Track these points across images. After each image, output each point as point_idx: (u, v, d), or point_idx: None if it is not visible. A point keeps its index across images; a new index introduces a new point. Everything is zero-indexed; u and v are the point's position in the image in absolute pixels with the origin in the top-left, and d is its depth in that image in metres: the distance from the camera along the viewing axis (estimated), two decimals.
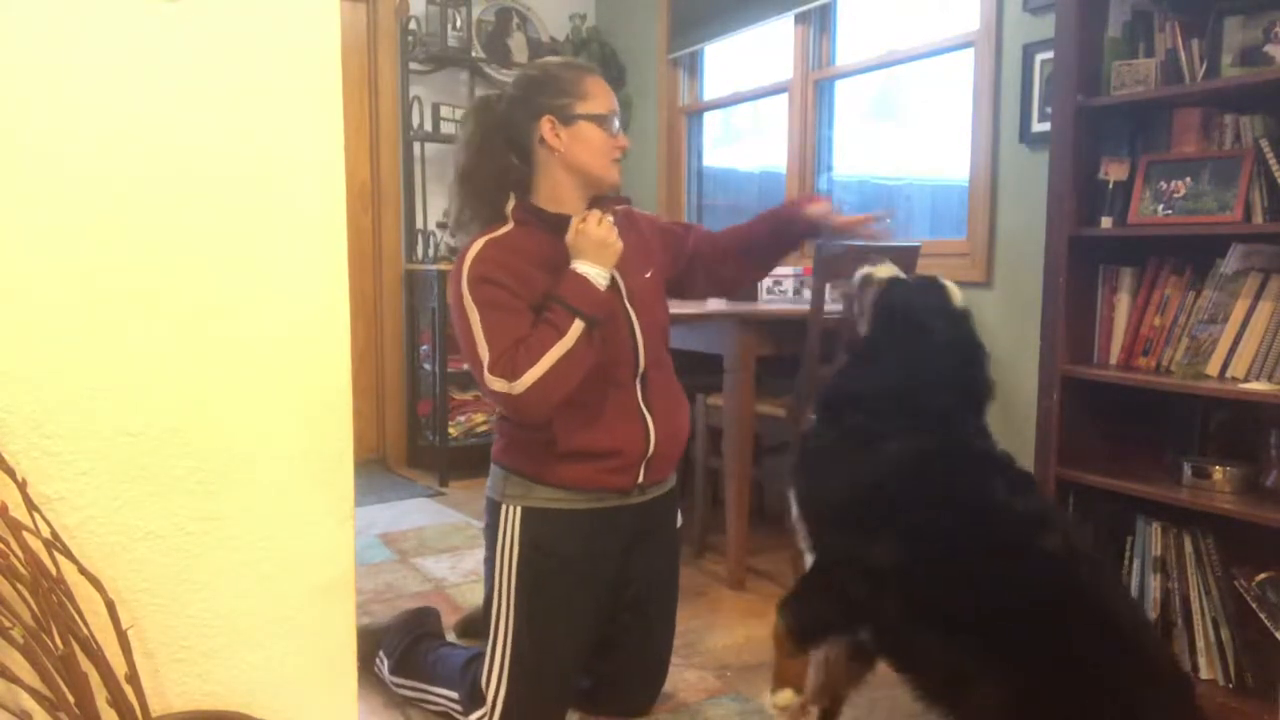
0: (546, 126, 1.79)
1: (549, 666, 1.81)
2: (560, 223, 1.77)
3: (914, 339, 1.66)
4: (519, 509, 1.82)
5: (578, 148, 1.80)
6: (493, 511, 1.88)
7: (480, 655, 1.85)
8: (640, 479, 1.86)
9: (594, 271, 1.70)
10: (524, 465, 1.83)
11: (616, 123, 1.84)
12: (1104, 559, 2.01)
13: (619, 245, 1.74)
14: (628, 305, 1.85)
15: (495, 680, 1.79)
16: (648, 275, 1.92)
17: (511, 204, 1.83)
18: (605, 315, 1.73)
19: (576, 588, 1.83)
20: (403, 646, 1.99)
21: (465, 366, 1.87)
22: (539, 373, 1.64)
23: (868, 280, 1.78)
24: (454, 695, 1.85)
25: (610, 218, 1.76)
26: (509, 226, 1.81)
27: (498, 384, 1.65)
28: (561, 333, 1.66)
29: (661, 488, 1.95)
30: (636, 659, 1.95)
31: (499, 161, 1.84)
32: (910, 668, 1.51)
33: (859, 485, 1.58)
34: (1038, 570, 1.44)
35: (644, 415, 1.85)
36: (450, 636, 2.20)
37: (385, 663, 1.99)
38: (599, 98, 1.82)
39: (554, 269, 1.73)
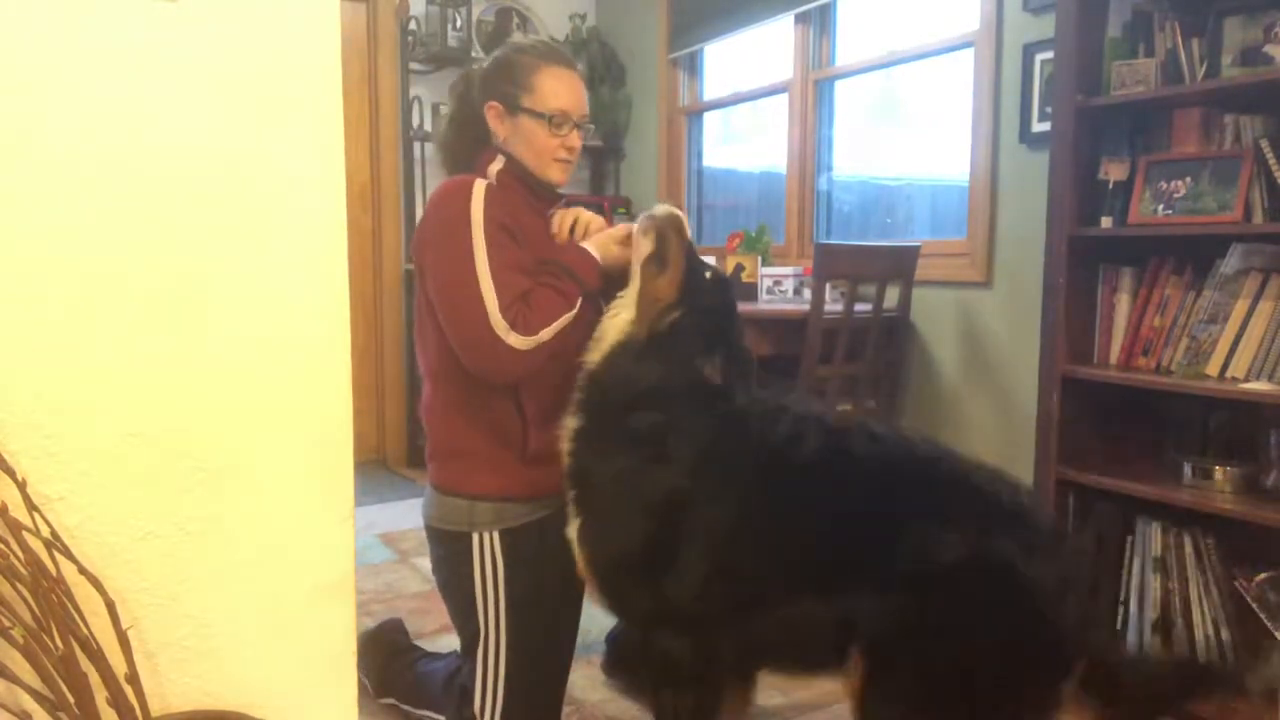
0: (491, 113, 1.76)
1: (544, 679, 1.75)
2: (544, 190, 1.77)
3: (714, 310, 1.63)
4: (495, 533, 1.72)
5: (517, 140, 1.75)
6: (459, 542, 1.74)
7: (459, 670, 1.81)
8: None
9: (592, 248, 1.70)
10: (491, 487, 1.73)
11: (568, 123, 1.74)
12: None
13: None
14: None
15: (490, 702, 1.71)
16: None
17: (500, 165, 1.76)
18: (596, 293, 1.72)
19: (564, 590, 1.76)
20: (376, 667, 1.96)
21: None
22: (548, 335, 1.60)
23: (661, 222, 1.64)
24: (440, 718, 1.82)
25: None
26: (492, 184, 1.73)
27: (501, 328, 1.57)
28: (571, 303, 1.64)
29: None
30: None
31: (472, 132, 1.80)
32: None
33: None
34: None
35: None
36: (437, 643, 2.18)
37: (366, 683, 1.94)
38: (549, 94, 1.72)
39: (522, 235, 1.69)
